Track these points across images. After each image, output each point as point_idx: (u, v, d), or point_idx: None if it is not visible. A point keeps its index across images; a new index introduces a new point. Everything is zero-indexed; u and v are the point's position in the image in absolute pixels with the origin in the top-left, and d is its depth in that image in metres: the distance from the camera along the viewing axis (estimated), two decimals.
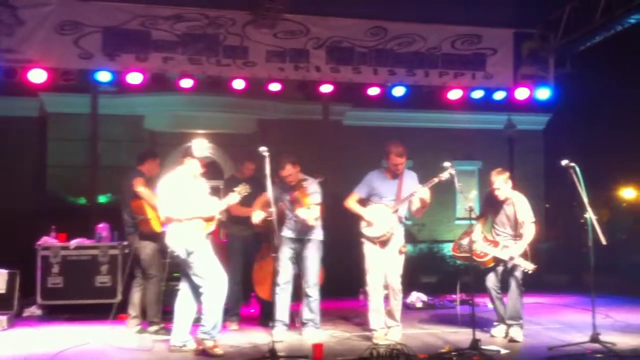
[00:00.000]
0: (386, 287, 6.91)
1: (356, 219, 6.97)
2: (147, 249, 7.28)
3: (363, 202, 6.99)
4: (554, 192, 12.33)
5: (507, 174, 7.04)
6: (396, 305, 6.93)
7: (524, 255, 6.82)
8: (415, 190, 6.72)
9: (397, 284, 6.86)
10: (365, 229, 6.89)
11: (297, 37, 9.47)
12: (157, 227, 7.03)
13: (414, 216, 6.98)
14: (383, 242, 6.83)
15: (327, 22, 9.63)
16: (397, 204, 6.81)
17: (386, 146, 6.89)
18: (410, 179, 6.92)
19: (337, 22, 9.68)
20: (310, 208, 6.92)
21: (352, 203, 6.99)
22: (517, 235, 7.01)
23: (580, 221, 6.75)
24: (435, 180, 6.65)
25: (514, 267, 6.90)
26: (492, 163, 7.28)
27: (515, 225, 7.01)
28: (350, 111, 13.93)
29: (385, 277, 6.85)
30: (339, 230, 9.16)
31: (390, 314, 6.92)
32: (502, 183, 6.95)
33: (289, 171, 7.01)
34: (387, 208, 6.82)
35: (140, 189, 7.15)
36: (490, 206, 7.21)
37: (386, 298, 6.94)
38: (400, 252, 6.91)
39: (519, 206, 6.98)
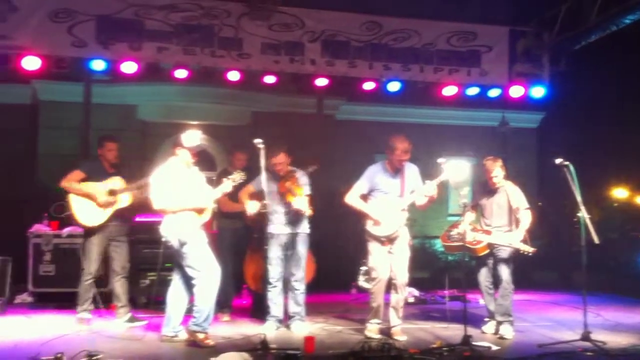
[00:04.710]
0: (390, 282, 6.81)
1: (359, 215, 6.87)
2: (84, 243, 7.23)
3: (363, 197, 6.90)
4: (546, 190, 12.36)
5: (501, 161, 7.09)
6: (401, 301, 6.81)
7: (523, 240, 6.85)
8: (420, 187, 6.68)
9: (404, 278, 6.77)
10: (372, 228, 6.76)
11: (292, 30, 9.43)
12: (82, 221, 6.97)
13: (419, 209, 6.92)
14: (391, 240, 6.76)
15: (322, 15, 9.59)
16: (404, 201, 6.73)
17: (391, 141, 6.78)
18: (412, 173, 6.85)
19: (332, 16, 9.65)
20: (303, 198, 6.91)
21: (354, 199, 6.86)
22: (508, 225, 7.03)
23: (572, 220, 6.77)
24: (442, 178, 6.60)
25: (505, 261, 6.93)
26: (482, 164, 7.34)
27: (509, 213, 7.03)
28: (344, 105, 13.90)
29: (391, 272, 6.76)
30: (331, 223, 9.20)
31: (395, 309, 6.80)
32: (498, 170, 7.00)
33: (282, 159, 7.00)
34: (393, 204, 6.72)
35: (66, 184, 7.01)
36: (482, 196, 7.22)
37: (388, 292, 6.87)
38: (409, 245, 6.87)
39: (512, 193, 7.02)
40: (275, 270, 7.04)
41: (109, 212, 7.00)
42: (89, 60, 8.79)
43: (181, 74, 9.07)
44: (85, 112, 11.74)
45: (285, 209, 7.06)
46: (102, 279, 7.55)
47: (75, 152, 11.35)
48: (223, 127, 12.92)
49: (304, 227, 7.17)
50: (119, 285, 7.29)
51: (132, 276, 8.31)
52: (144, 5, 8.86)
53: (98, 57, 8.77)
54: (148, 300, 8.23)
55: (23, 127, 12.60)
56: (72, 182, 6.98)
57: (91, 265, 7.06)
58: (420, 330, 7.28)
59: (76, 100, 11.88)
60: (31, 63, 8.49)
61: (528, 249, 6.77)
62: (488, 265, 7.13)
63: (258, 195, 6.92)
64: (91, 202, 6.97)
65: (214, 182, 7.14)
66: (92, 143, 11.78)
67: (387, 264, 6.74)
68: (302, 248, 7.15)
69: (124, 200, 7.06)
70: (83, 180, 7.01)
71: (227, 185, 6.39)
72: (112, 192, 7.00)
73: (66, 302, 7.78)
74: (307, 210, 6.94)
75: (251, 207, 6.90)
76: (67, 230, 8.56)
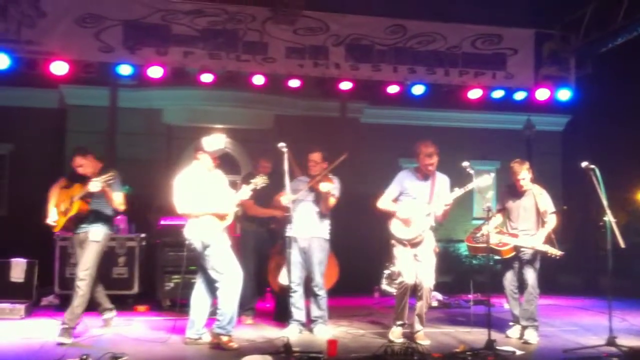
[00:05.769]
0: (415, 287, 6.75)
1: (386, 218, 6.85)
2: None
3: (393, 201, 6.86)
4: (572, 194, 12.25)
5: (527, 164, 7.07)
6: (425, 307, 6.75)
7: (550, 243, 6.82)
8: (447, 197, 6.63)
9: (429, 283, 6.70)
10: (396, 231, 6.74)
11: (316, 34, 9.45)
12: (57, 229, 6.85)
13: (437, 221, 6.88)
14: (415, 244, 6.73)
15: (346, 19, 9.61)
16: (430, 207, 6.68)
17: (415, 146, 6.78)
18: (442, 183, 6.81)
19: (356, 20, 9.66)
20: (332, 185, 6.94)
21: (386, 203, 6.82)
22: (535, 228, 6.99)
23: (598, 224, 6.72)
24: (469, 187, 6.57)
25: (531, 264, 6.90)
26: (509, 167, 7.30)
27: (536, 216, 7.01)
28: (367, 109, 13.91)
29: (417, 277, 6.69)
30: (354, 227, 9.19)
31: (420, 317, 6.75)
32: (525, 173, 6.99)
33: (317, 158, 7.08)
34: (419, 209, 6.68)
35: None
36: (508, 199, 7.19)
37: (413, 296, 6.82)
38: (435, 252, 6.83)
39: (540, 196, 7.00)
40: (295, 274, 7.06)
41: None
42: (115, 65, 8.91)
43: (207, 78, 9.14)
44: (111, 116, 11.92)
45: (309, 211, 7.09)
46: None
47: (101, 156, 11.46)
48: (247, 131, 13.01)
49: (324, 232, 7.18)
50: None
51: (157, 279, 8.43)
52: (170, 10, 8.94)
53: (125, 62, 8.87)
54: (172, 303, 8.30)
55: (51, 130, 12.79)
56: (54, 189, 6.91)
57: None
58: (444, 334, 7.25)
59: (103, 105, 12.07)
60: (59, 68, 8.60)
61: (555, 252, 6.73)
62: (514, 269, 7.09)
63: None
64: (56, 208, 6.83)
65: (238, 186, 7.18)
66: (119, 146, 12.01)
67: (414, 268, 6.69)
68: (320, 253, 7.13)
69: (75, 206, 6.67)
70: (65, 187, 6.82)
71: (246, 191, 6.39)
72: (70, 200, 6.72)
73: (92, 304, 7.85)
74: (332, 194, 6.97)
75: (285, 199, 6.93)
76: None
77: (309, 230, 7.08)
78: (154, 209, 9.83)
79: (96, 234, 6.69)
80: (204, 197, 6.29)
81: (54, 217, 6.73)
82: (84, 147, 6.86)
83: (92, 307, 6.94)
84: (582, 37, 9.90)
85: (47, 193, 6.86)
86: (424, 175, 6.80)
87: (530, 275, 6.92)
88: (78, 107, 12.81)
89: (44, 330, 6.99)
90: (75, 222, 6.69)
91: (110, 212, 6.81)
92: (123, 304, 8.24)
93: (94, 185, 6.32)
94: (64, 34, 8.65)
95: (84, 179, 6.57)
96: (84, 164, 6.68)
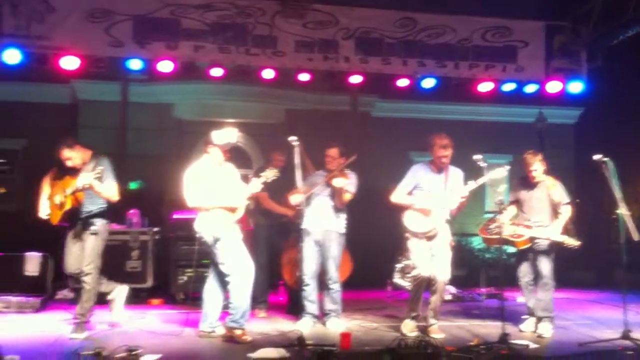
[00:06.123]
0: (430, 281, 6.71)
1: (399, 213, 6.82)
2: None
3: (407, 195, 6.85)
4: (584, 187, 12.18)
5: (540, 155, 7.05)
6: (439, 301, 6.76)
7: (567, 233, 6.81)
8: (463, 189, 6.61)
9: (444, 277, 6.68)
10: (410, 224, 6.72)
11: (326, 28, 9.41)
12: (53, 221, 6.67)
13: (451, 215, 6.86)
14: (430, 237, 6.71)
15: (355, 12, 9.55)
16: (445, 199, 6.65)
17: (430, 138, 6.77)
18: (456, 176, 6.79)
19: (365, 13, 9.60)
20: (347, 181, 6.95)
21: (400, 197, 6.80)
22: (549, 220, 6.98)
23: (611, 217, 6.68)
24: (484, 180, 6.54)
25: (546, 255, 6.88)
26: (522, 158, 7.27)
27: (550, 207, 6.99)
28: (378, 102, 13.87)
29: (432, 271, 6.66)
30: (366, 220, 9.17)
31: (434, 311, 6.76)
32: (538, 164, 6.97)
33: (334, 154, 7.10)
34: (436, 201, 6.66)
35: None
36: (521, 191, 7.17)
37: (427, 290, 6.81)
38: (450, 246, 6.81)
39: (554, 187, 6.99)
40: (309, 267, 7.06)
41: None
42: (126, 60, 8.89)
43: (216, 72, 9.13)
44: (122, 111, 11.93)
45: (324, 205, 7.09)
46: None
47: (113, 150, 11.51)
48: (258, 125, 13.02)
49: (340, 226, 7.19)
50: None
51: (170, 272, 8.46)
52: (179, 5, 8.92)
53: (135, 56, 8.85)
54: (186, 297, 8.34)
55: (63, 126, 12.80)
56: (45, 181, 6.76)
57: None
58: (457, 328, 7.24)
59: (114, 100, 12.07)
60: (69, 63, 8.60)
61: (573, 242, 6.71)
62: (529, 260, 7.07)
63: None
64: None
65: (249, 180, 7.19)
66: (130, 141, 12.03)
67: (429, 261, 6.67)
68: (336, 247, 7.15)
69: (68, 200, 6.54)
70: (57, 178, 6.68)
71: (256, 184, 6.39)
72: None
73: (106, 297, 7.88)
74: (347, 190, 6.98)
75: (294, 199, 6.95)
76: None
77: (324, 223, 7.10)
78: (166, 203, 9.86)
79: (94, 225, 6.57)
80: (214, 191, 6.30)
81: (46, 210, 6.60)
82: (70, 139, 6.60)
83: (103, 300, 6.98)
84: (593, 30, 9.83)
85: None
86: (438, 168, 6.78)
87: (546, 265, 6.91)
88: (89, 102, 12.83)
89: (59, 323, 7.03)
90: (71, 215, 6.53)
91: (105, 203, 6.61)
92: (137, 298, 8.29)
93: (82, 181, 6.21)
94: (73, 29, 8.64)
95: (75, 171, 6.43)
96: (72, 157, 6.50)
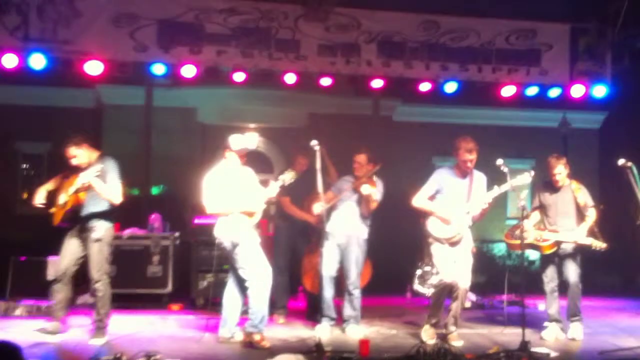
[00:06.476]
0: (451, 287, 6.64)
1: (424, 217, 6.80)
2: None
3: (429, 199, 6.81)
4: (609, 193, 12.02)
5: (564, 159, 6.98)
6: (459, 308, 6.68)
7: (594, 236, 6.76)
8: (486, 196, 6.56)
9: (465, 284, 6.61)
10: (433, 230, 6.67)
11: (348, 31, 9.39)
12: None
13: (474, 221, 6.80)
14: (453, 243, 6.65)
15: (378, 16, 9.52)
16: (469, 205, 6.60)
17: (455, 142, 6.71)
18: (479, 181, 6.73)
19: (388, 16, 9.55)
20: (374, 189, 6.94)
21: (421, 201, 6.76)
22: (575, 224, 6.92)
23: (635, 222, 6.60)
24: (507, 186, 6.48)
25: (572, 259, 6.84)
26: (546, 162, 7.20)
27: (575, 211, 6.93)
28: (400, 106, 13.83)
29: (454, 277, 6.61)
30: (387, 226, 9.11)
31: (454, 317, 6.68)
32: (562, 168, 6.91)
33: (361, 160, 7.10)
34: (458, 207, 6.61)
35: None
36: (545, 195, 7.10)
37: (448, 297, 6.75)
38: (472, 253, 6.78)
39: (579, 190, 6.95)
40: (327, 267, 7.05)
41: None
42: (150, 65, 8.94)
43: (239, 77, 9.14)
44: (146, 115, 12.01)
45: (351, 210, 7.09)
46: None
47: (137, 154, 11.61)
48: (280, 129, 13.04)
49: (363, 232, 7.17)
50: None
51: (191, 277, 8.47)
52: (204, 9, 8.96)
53: (159, 61, 8.90)
54: (206, 301, 8.36)
55: (88, 130, 12.93)
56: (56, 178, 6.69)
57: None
58: (477, 335, 7.18)
59: (138, 104, 12.17)
60: (94, 68, 8.67)
61: (600, 244, 6.66)
62: (554, 265, 7.01)
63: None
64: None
65: (268, 184, 7.21)
66: (155, 145, 12.12)
67: (452, 267, 6.62)
68: (357, 252, 7.13)
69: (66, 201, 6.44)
70: (65, 177, 6.54)
71: (274, 187, 6.37)
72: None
73: (126, 302, 7.94)
74: (374, 198, 6.96)
75: (316, 208, 6.95)
76: (127, 232, 8.75)
77: (348, 228, 7.09)
78: (188, 208, 9.90)
79: (97, 230, 6.40)
80: (231, 195, 6.31)
81: (40, 199, 6.44)
82: (79, 137, 6.46)
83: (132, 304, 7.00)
84: (619, 31, 9.71)
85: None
86: (463, 173, 6.73)
87: (572, 272, 6.87)
88: (114, 106, 12.97)
89: (79, 329, 7.08)
90: (72, 215, 6.41)
91: (109, 205, 6.43)
92: (157, 303, 8.34)
93: (82, 179, 6.12)
94: (99, 34, 8.71)
95: (80, 171, 6.27)
96: (77, 155, 6.36)
